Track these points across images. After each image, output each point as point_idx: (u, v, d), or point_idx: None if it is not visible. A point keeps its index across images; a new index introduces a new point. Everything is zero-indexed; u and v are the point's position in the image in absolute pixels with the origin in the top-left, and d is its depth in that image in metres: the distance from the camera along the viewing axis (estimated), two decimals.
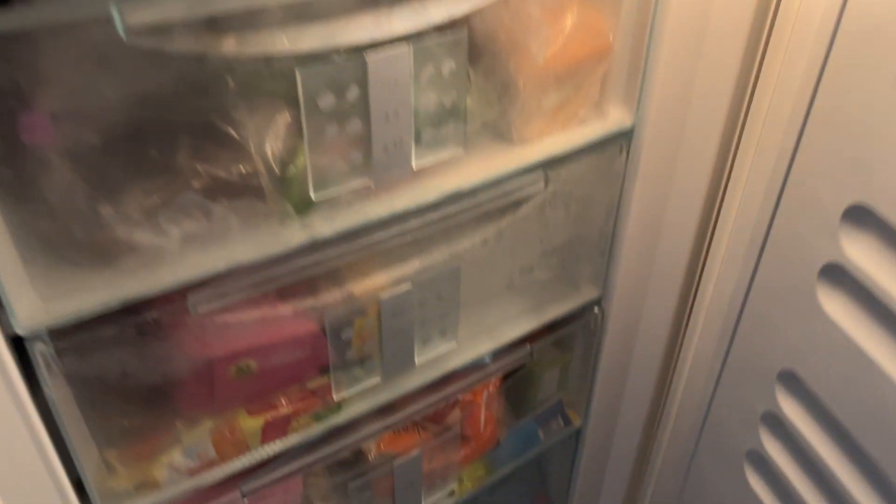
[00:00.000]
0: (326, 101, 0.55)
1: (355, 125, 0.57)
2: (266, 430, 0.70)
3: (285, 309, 0.64)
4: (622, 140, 0.80)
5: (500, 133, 0.71)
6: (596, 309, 0.93)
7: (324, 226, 0.61)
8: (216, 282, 0.58)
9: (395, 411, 0.80)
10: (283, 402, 0.70)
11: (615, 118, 0.78)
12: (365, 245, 0.65)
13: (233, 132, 0.57)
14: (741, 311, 0.80)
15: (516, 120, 0.71)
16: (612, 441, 1.07)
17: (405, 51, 0.56)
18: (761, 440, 0.83)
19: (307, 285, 0.65)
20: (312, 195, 0.58)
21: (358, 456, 0.83)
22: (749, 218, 0.80)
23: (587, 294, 0.91)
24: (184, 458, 0.67)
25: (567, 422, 1.04)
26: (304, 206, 0.59)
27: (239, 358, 0.64)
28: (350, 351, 0.70)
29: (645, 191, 0.83)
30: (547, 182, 0.75)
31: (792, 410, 0.78)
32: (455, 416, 0.87)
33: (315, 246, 0.62)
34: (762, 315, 0.80)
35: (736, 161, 0.82)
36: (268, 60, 0.54)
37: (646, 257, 0.89)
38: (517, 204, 0.75)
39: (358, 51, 0.54)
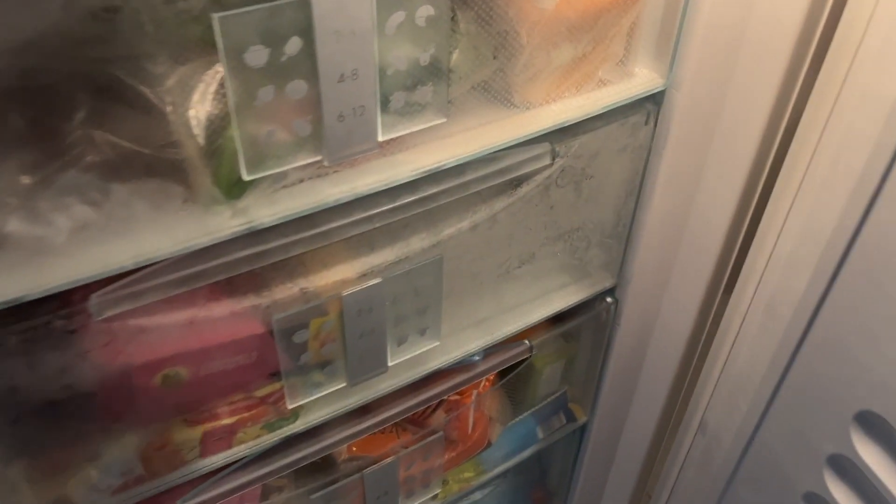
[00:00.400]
0: (257, 56, 0.42)
1: (298, 88, 0.44)
2: (206, 442, 0.59)
3: (221, 309, 0.52)
4: (650, 106, 0.66)
5: (497, 94, 0.58)
6: (609, 299, 0.81)
7: (263, 211, 0.48)
8: (125, 280, 0.46)
9: (366, 415, 0.69)
10: (226, 411, 0.59)
11: (643, 79, 0.64)
12: (320, 234, 0.52)
13: (145, 90, 0.45)
14: (807, 329, 0.65)
15: (517, 80, 0.57)
16: (620, 440, 0.95)
17: None
18: (826, 485, 0.68)
19: (248, 281, 0.53)
20: (244, 174, 0.46)
21: (328, 460, 0.73)
22: (831, 190, 0.64)
23: (599, 283, 0.79)
24: (104, 475, 0.56)
25: (571, 417, 0.92)
26: (235, 188, 0.47)
27: (164, 365, 0.53)
28: (306, 355, 0.59)
29: (674, 167, 0.69)
30: (554, 157, 0.61)
31: (872, 457, 0.63)
32: (439, 418, 0.76)
33: (254, 235, 0.49)
34: (840, 337, 0.62)
35: (798, 130, 0.67)
36: None
37: (670, 244, 0.76)
38: (516, 182, 0.62)
39: None
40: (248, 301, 0.53)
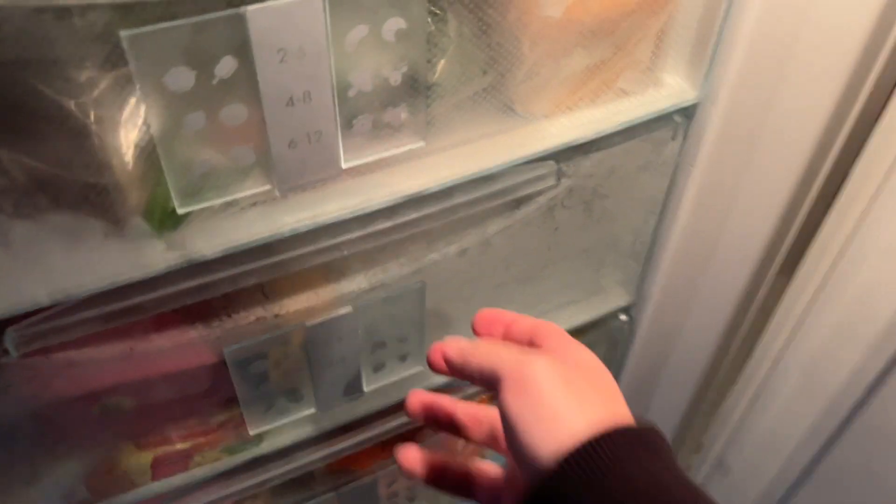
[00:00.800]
0: (180, 79, 0.35)
1: (236, 113, 0.37)
2: (157, 466, 0.55)
3: (164, 340, 0.47)
4: (679, 119, 0.57)
5: (497, 104, 0.50)
6: (623, 316, 0.73)
7: (203, 243, 0.42)
8: (40, 315, 0.41)
9: (345, 434, 0.64)
10: (179, 436, 0.54)
11: (671, 89, 0.55)
12: (276, 264, 0.46)
13: (66, 102, 0.38)
14: (859, 407, 0.56)
15: (520, 91, 0.50)
16: None
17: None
18: None
19: (196, 310, 0.47)
20: (176, 206, 0.40)
21: (307, 475, 0.68)
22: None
23: (612, 300, 0.71)
24: (43, 499, 0.52)
25: None
26: (168, 220, 0.41)
27: (103, 396, 0.48)
28: (267, 384, 0.53)
29: (704, 187, 0.61)
30: (560, 176, 0.54)
31: None
32: (426, 436, 0.70)
33: (199, 266, 0.43)
34: None
35: (860, 161, 0.58)
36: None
37: (696, 265, 0.68)
38: (515, 204, 0.54)
39: (231, 2, 0.34)
40: (196, 332, 0.48)
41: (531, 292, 0.63)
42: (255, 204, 0.44)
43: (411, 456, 0.44)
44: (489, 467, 0.45)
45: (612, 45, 0.50)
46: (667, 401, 0.79)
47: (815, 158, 0.58)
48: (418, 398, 0.45)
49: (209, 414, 0.54)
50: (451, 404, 0.45)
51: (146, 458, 0.54)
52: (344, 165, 0.43)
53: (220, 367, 0.51)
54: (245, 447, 0.58)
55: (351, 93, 0.40)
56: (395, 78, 0.40)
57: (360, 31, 0.38)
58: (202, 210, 0.41)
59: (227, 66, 0.35)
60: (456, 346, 0.40)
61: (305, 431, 0.61)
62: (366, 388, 0.59)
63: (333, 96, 0.39)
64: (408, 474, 0.44)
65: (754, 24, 0.51)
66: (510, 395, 0.33)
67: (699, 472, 0.79)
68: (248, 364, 0.51)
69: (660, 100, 0.54)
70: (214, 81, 0.36)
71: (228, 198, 0.41)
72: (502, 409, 0.34)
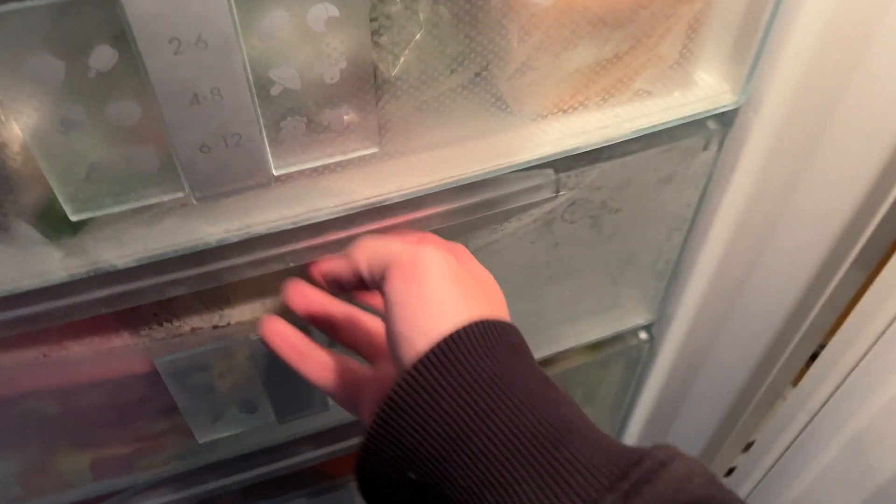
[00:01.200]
0: (44, 69, 0.28)
1: (126, 112, 0.31)
2: (97, 468, 0.51)
3: (82, 348, 0.42)
4: (714, 126, 0.48)
5: (485, 100, 0.42)
6: (643, 334, 0.65)
7: (111, 252, 0.37)
8: None
9: (312, 444, 0.59)
10: (119, 441, 0.50)
11: (705, 91, 0.46)
12: (208, 273, 0.40)
13: None
14: None
15: (510, 87, 0.41)
16: None
17: None
18: None
19: (122, 318, 0.42)
20: (69, 214, 0.34)
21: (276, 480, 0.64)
22: None
23: (631, 317, 0.63)
24: None
25: None
26: (64, 226, 0.35)
27: (20, 401, 0.44)
28: (213, 395, 0.48)
29: (743, 203, 0.52)
30: (559, 187, 0.46)
31: None
32: None
33: (115, 275, 0.38)
34: None
35: None
36: None
37: (731, 286, 0.59)
38: (504, 215, 0.47)
39: None
40: (122, 340, 0.43)
41: (528, 310, 0.56)
42: (170, 211, 0.38)
43: (276, 329, 0.41)
44: (355, 365, 0.41)
45: (629, 36, 0.41)
46: (689, 429, 0.71)
47: (880, 185, 0.48)
48: (300, 290, 0.42)
49: (149, 421, 0.49)
50: (330, 302, 0.42)
51: (83, 459, 0.50)
52: (276, 172, 0.36)
53: (155, 377, 0.46)
54: (195, 454, 0.53)
55: (274, 91, 0.33)
56: (332, 75, 0.33)
57: (277, 19, 0.30)
58: (108, 217, 0.36)
59: (103, 56, 0.29)
60: (333, 259, 0.38)
61: (267, 439, 0.56)
62: (331, 402, 0.53)
63: (251, 95, 0.32)
64: (267, 343, 0.41)
65: (811, 19, 0.42)
66: (399, 281, 0.32)
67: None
68: (185, 376, 0.45)
69: (688, 104, 0.45)
70: (91, 74, 0.29)
71: (132, 205, 0.35)
72: (387, 296, 0.32)
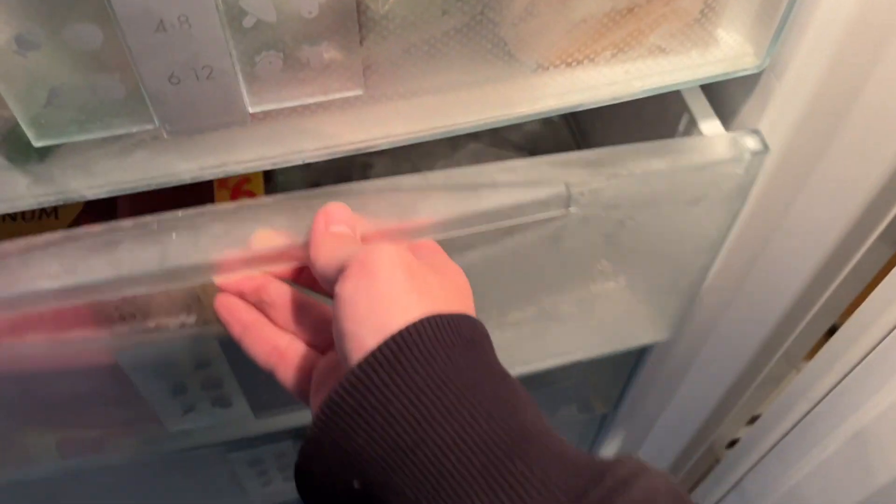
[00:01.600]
0: None
1: (86, 35, 0.29)
2: (64, 447, 0.51)
3: (35, 336, 0.40)
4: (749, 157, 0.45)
5: (480, 43, 0.39)
6: None
7: (80, 181, 0.35)
8: None
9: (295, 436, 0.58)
10: (84, 426, 0.50)
11: (726, 51, 0.43)
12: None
13: None
14: None
15: (514, 34, 0.39)
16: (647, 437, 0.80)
17: None
18: None
19: (81, 312, 0.40)
20: (32, 139, 0.33)
21: None
22: None
23: (645, 334, 0.61)
24: None
25: (588, 409, 0.78)
26: (29, 150, 0.34)
27: None
28: (182, 391, 0.47)
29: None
30: (569, 204, 0.42)
31: None
32: None
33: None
34: None
35: None
36: None
37: (746, 259, 0.56)
38: (506, 231, 0.43)
39: None
40: (81, 332, 0.41)
41: (533, 325, 0.53)
42: (141, 143, 0.36)
43: (227, 302, 0.37)
44: (311, 351, 0.37)
45: None
46: (695, 394, 0.69)
47: None
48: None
49: (115, 407, 0.48)
50: (264, 278, 0.37)
51: (49, 438, 0.50)
52: (251, 109, 0.34)
53: (117, 369, 0.44)
54: (167, 439, 0.52)
55: (247, 22, 0.31)
56: (310, 8, 0.31)
57: None
58: (76, 146, 0.34)
59: None
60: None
61: (242, 430, 0.55)
62: None
63: (222, 24, 0.30)
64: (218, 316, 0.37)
65: None
66: (349, 281, 0.30)
67: (713, 492, 0.70)
68: (149, 370, 0.44)
69: (706, 64, 0.42)
70: None
71: (98, 134, 0.33)
72: (337, 295, 0.30)
